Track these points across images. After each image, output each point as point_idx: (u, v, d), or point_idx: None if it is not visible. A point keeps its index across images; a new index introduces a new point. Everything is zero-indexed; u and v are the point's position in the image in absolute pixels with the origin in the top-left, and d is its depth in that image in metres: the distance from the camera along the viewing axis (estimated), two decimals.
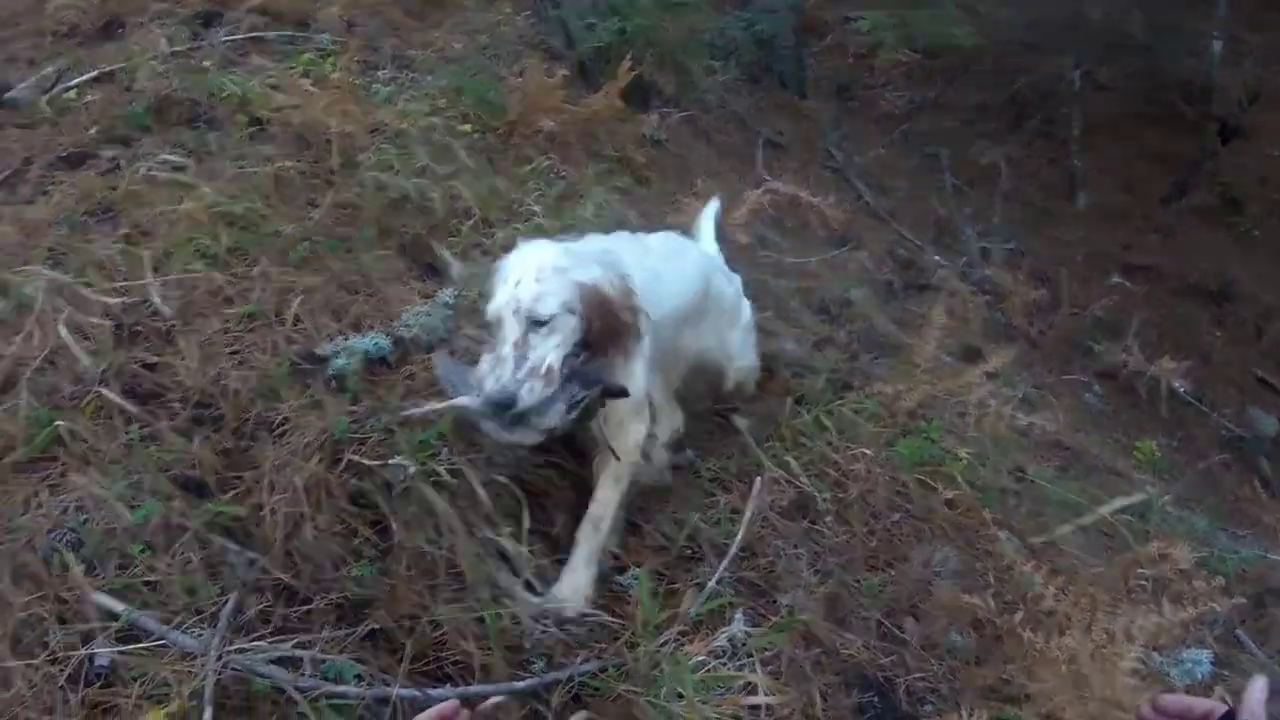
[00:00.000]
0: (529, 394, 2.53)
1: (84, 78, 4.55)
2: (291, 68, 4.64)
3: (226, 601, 2.38)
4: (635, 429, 2.90)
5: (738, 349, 3.60)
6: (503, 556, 2.73)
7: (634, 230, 3.47)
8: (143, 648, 2.30)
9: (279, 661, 2.32)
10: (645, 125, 5.59)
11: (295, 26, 5.33)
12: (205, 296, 3.05)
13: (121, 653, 2.28)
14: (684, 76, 6.61)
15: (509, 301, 2.60)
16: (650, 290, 2.90)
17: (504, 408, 2.52)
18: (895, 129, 8.63)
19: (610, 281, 2.73)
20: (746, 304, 3.72)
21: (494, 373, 2.55)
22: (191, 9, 5.31)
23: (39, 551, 2.43)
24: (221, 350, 2.94)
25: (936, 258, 6.93)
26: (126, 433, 2.68)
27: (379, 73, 4.91)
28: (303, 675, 2.31)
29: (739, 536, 2.96)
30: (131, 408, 2.74)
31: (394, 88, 4.77)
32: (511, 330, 2.58)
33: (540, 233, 3.80)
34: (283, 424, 2.80)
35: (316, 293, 3.15)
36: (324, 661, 2.36)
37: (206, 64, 4.66)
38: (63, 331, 2.88)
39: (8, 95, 4.52)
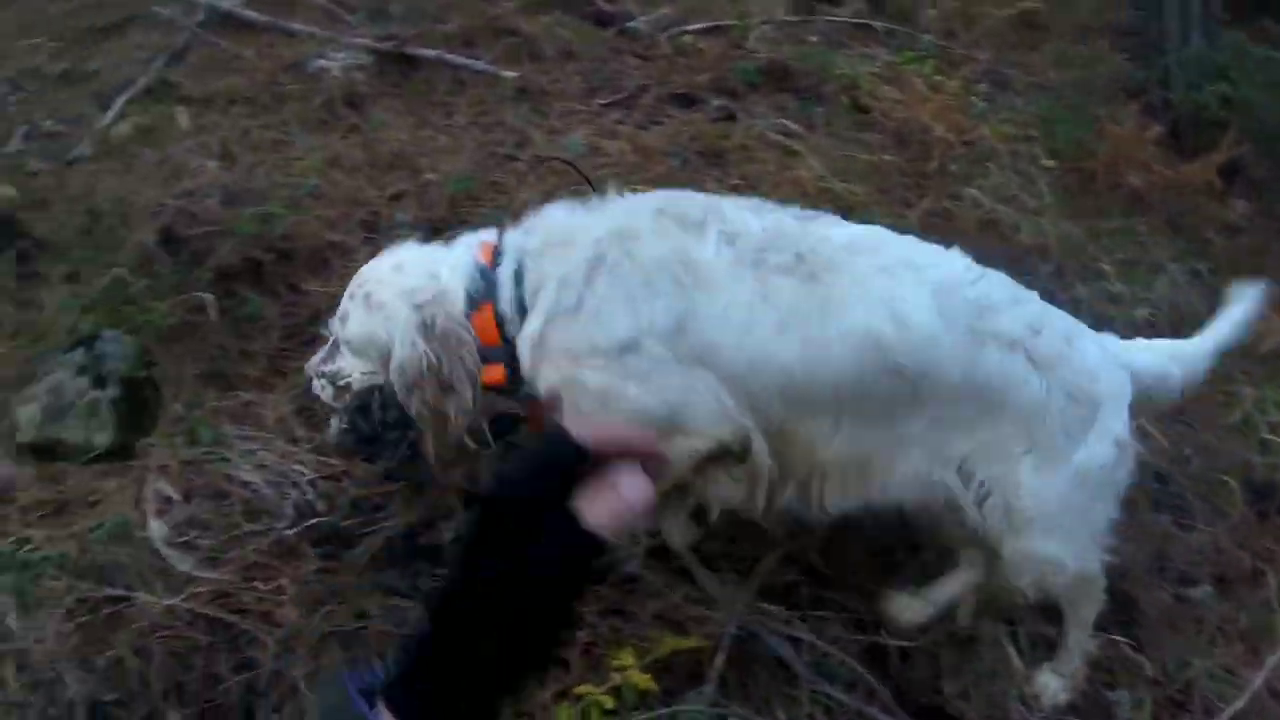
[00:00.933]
0: (320, 390, 2.31)
1: (699, 25, 4.83)
2: (898, 62, 4.65)
3: (760, 560, 2.42)
4: None
5: (1035, 510, 2.25)
6: (1009, 625, 2.58)
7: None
8: (669, 569, 2.40)
9: (786, 637, 2.32)
10: (1232, 209, 5.08)
11: (897, 20, 5.34)
12: None
13: (647, 568, 2.39)
14: (1277, 165, 5.96)
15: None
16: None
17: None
18: None
19: (422, 359, 2.09)
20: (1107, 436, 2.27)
21: (320, 352, 2.35)
22: None
23: None
24: None
25: None
26: None
27: (978, 86, 4.78)
28: (802, 661, 2.30)
29: (1235, 706, 2.66)
30: None
31: (989, 105, 4.63)
32: (334, 330, 2.29)
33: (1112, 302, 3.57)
34: None
35: None
36: (825, 657, 2.34)
37: (813, 39, 4.80)
38: None
39: (629, 24, 4.90)
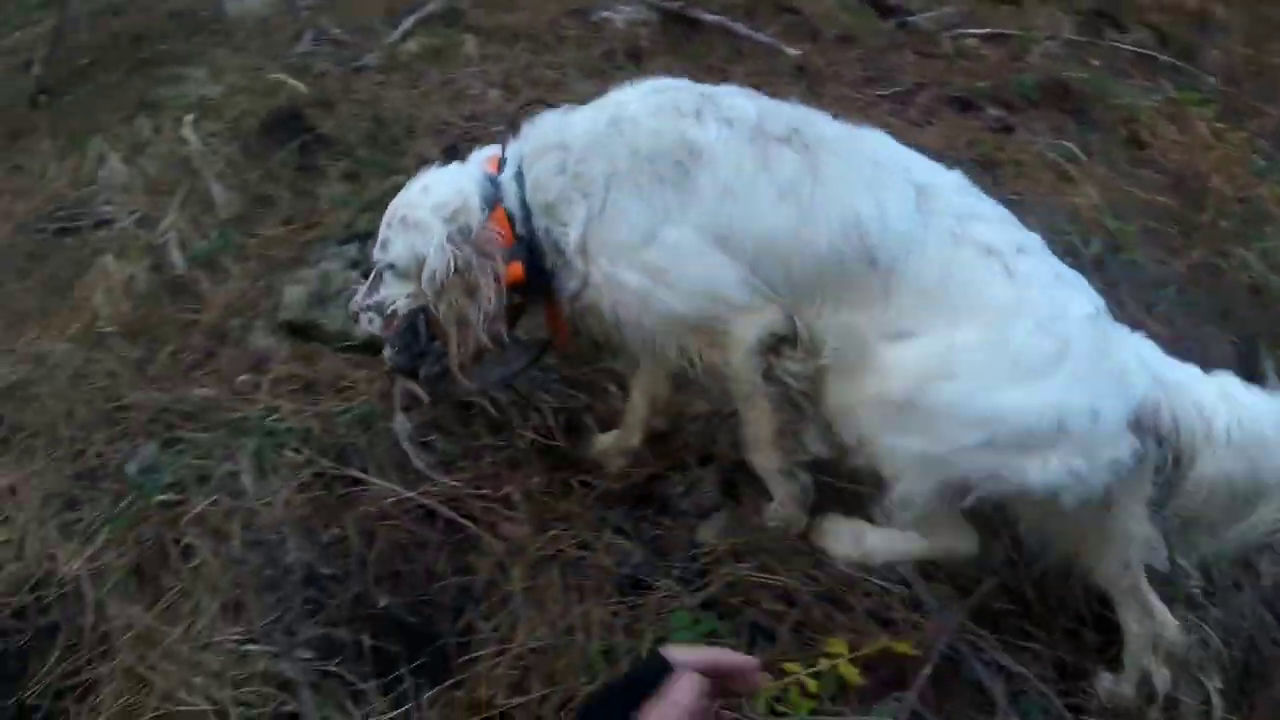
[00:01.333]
0: (367, 324, 2.45)
1: (982, 30, 4.75)
2: (1179, 100, 4.45)
3: (981, 583, 2.38)
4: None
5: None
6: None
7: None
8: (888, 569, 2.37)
9: (990, 663, 2.26)
10: None
11: (1181, 56, 5.10)
12: None
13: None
14: None
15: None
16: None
17: None
18: None
19: (450, 262, 2.24)
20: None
21: (363, 289, 2.47)
22: (1089, 4, 5.30)
23: None
24: None
25: None
26: None
27: (1260, 141, 4.52)
28: (1001, 690, 2.24)
29: None
30: None
31: (1269, 164, 4.38)
32: (377, 261, 2.42)
33: None
34: None
35: None
36: (1024, 693, 2.27)
37: (1095, 63, 4.64)
38: None
39: (910, 18, 4.84)
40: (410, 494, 2.46)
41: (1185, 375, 2.15)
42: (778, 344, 2.20)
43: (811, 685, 2.08)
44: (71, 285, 3.32)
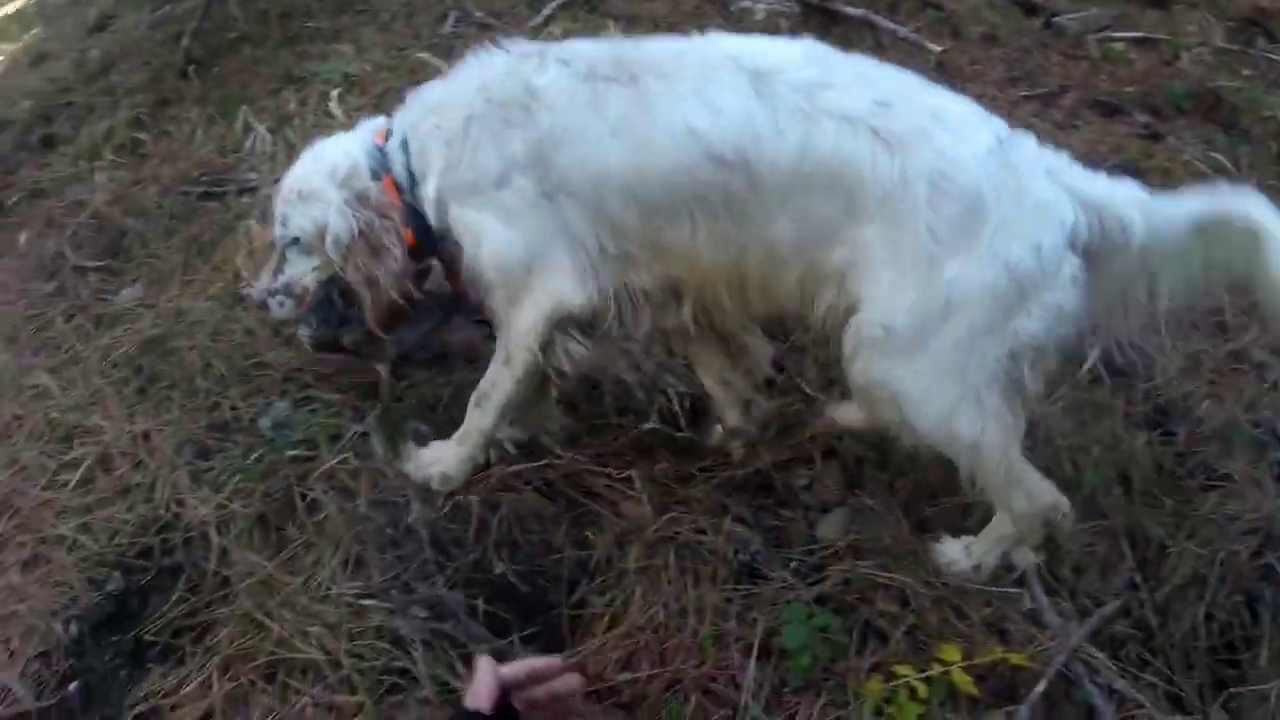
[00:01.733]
0: (278, 308, 2.48)
1: (1130, 34, 4.62)
2: None
3: (1104, 604, 2.30)
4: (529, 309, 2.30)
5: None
6: None
7: None
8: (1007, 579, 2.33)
9: (1104, 687, 2.17)
10: None
11: None
12: None
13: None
14: None
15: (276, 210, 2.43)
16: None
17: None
18: None
19: (353, 225, 2.30)
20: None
21: (265, 274, 2.49)
22: (1240, 13, 5.10)
23: None
24: None
25: None
26: None
27: None
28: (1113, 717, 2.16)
29: None
30: None
31: None
32: (279, 240, 2.44)
33: None
34: None
35: None
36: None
37: (1246, 72, 4.47)
38: None
39: (1056, 19, 4.72)
40: (533, 465, 2.48)
41: (1103, 189, 2.09)
42: (568, 322, 2.28)
43: (921, 690, 2.05)
44: (214, 247, 3.43)
